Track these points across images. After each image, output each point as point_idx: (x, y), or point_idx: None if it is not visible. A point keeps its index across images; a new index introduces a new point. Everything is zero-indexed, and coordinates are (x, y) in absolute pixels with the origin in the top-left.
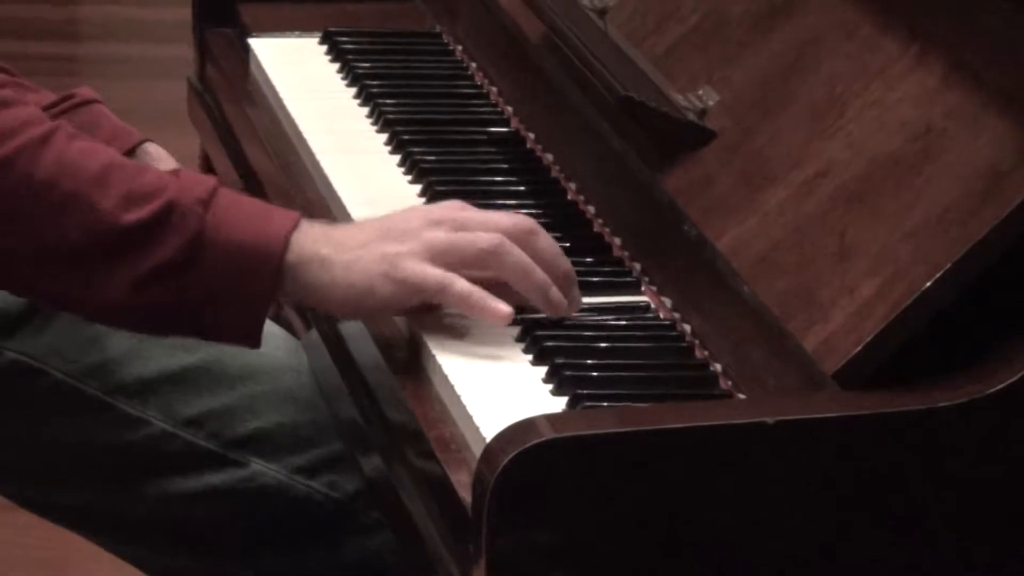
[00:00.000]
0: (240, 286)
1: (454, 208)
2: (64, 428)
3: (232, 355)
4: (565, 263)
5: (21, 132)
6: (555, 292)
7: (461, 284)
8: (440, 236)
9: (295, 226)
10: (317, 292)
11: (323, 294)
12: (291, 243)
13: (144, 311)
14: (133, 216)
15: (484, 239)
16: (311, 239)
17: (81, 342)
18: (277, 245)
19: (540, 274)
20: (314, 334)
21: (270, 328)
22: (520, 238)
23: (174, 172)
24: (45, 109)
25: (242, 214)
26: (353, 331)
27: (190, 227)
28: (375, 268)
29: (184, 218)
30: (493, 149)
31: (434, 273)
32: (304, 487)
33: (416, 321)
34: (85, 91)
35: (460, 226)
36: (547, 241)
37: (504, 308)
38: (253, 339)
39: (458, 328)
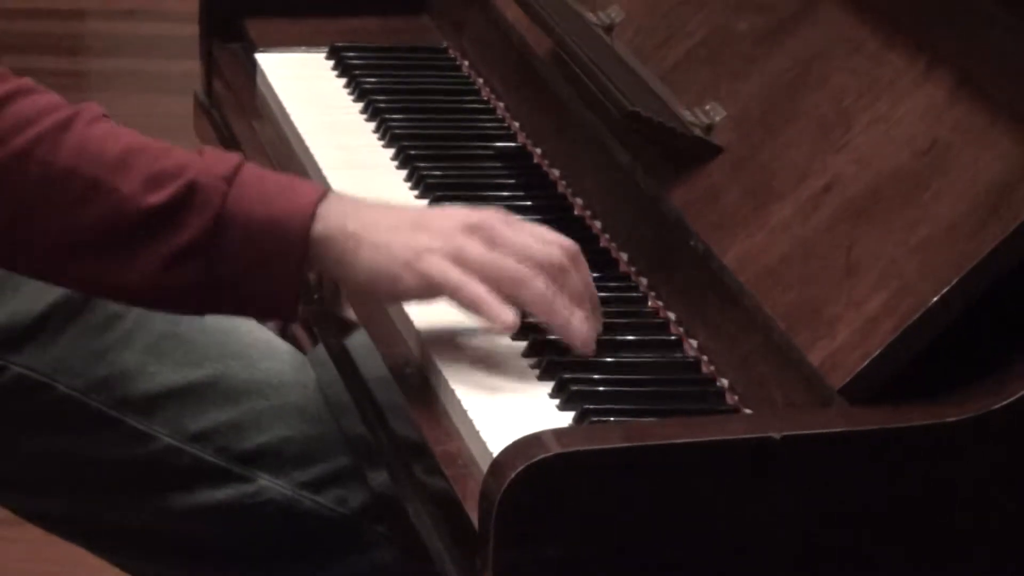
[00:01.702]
0: (268, 260)
1: (493, 218)
2: (70, 443)
3: (239, 370)
4: (592, 296)
5: (41, 119)
6: (576, 326)
7: (475, 287)
8: (472, 247)
9: (322, 198)
10: (341, 267)
11: (347, 271)
12: (318, 215)
13: (176, 291)
14: (155, 198)
15: (511, 270)
16: (339, 212)
17: (88, 357)
18: (303, 217)
19: (561, 312)
20: (321, 349)
21: (277, 343)
22: (550, 271)
23: (199, 151)
24: None
25: (267, 189)
26: (360, 346)
27: (213, 205)
28: (401, 256)
29: (207, 196)
30: (500, 164)
31: (455, 273)
32: (311, 502)
33: (423, 336)
34: (92, 106)
35: (494, 241)
36: (578, 276)
37: (510, 317)
38: (288, 312)
39: (465, 344)
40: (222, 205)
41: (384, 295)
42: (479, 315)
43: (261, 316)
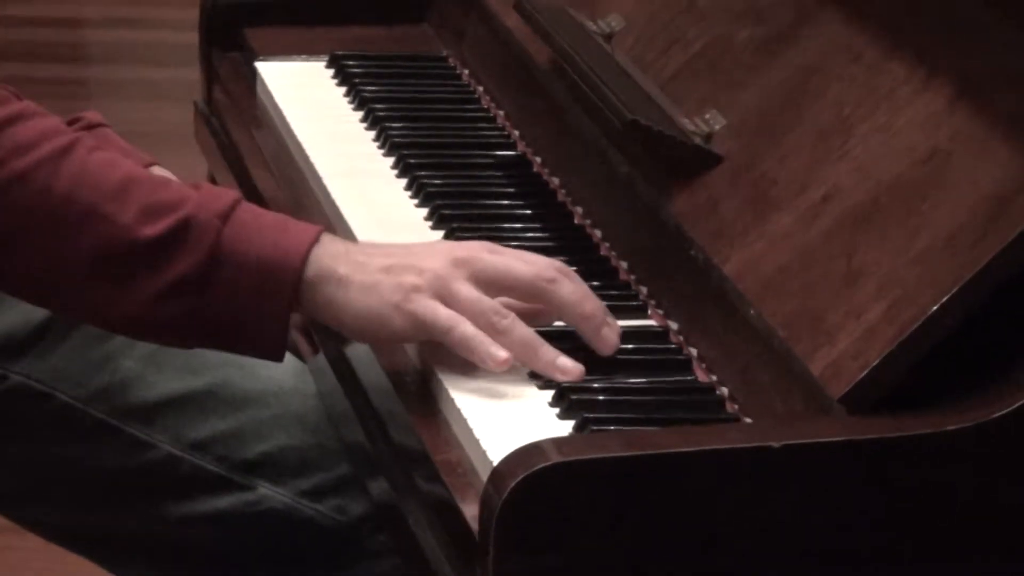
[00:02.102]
0: (259, 301)
1: (479, 251)
2: (71, 451)
3: (239, 379)
4: (591, 305)
5: (41, 145)
6: (562, 363)
7: (464, 327)
8: (459, 284)
9: (315, 240)
10: (331, 310)
11: (336, 313)
12: (310, 259)
13: (165, 324)
14: (150, 230)
15: (493, 316)
16: (330, 255)
17: (88, 366)
18: (296, 260)
19: (545, 352)
20: (321, 358)
21: None
22: (542, 288)
23: (196, 185)
24: None
25: (262, 228)
26: (360, 355)
27: (207, 242)
28: (390, 297)
29: (201, 233)
30: (500, 173)
31: (445, 313)
32: (311, 510)
33: (423, 346)
34: (93, 115)
35: (481, 276)
36: (569, 288)
37: (502, 355)
38: (276, 353)
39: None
40: (216, 242)
41: (375, 338)
42: (470, 357)
43: (248, 354)
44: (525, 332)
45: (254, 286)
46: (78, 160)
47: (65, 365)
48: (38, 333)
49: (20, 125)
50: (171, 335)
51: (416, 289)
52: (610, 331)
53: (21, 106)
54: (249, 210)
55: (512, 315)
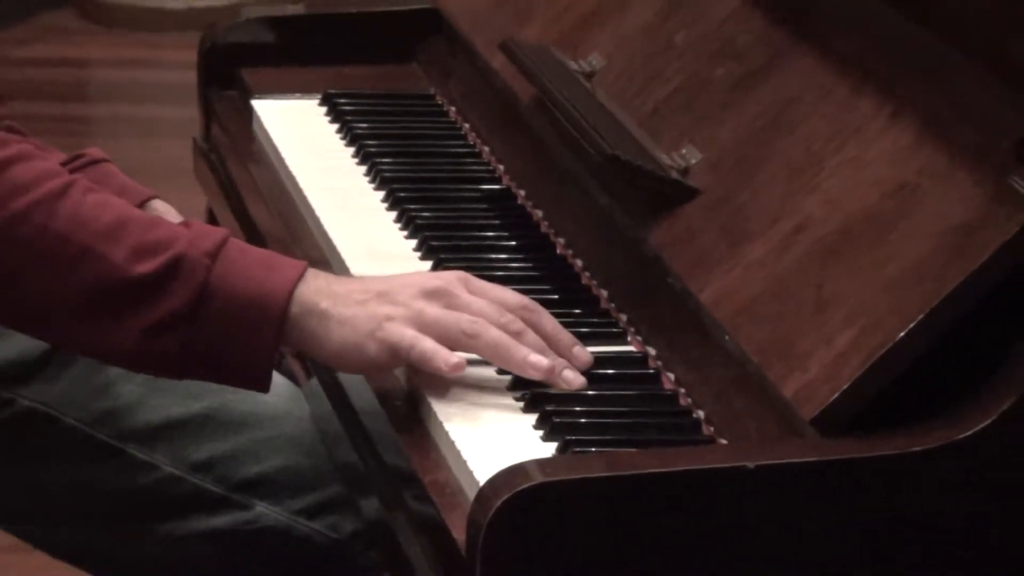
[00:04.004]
0: (245, 336)
1: (452, 282)
2: (76, 472)
3: (237, 402)
4: (563, 334)
5: (39, 185)
6: (533, 359)
7: (425, 343)
8: (430, 310)
9: (299, 277)
10: (312, 343)
11: (317, 345)
12: (295, 296)
13: (155, 357)
14: (142, 268)
15: (464, 321)
16: (313, 290)
17: (92, 390)
18: (281, 298)
19: (516, 352)
20: (315, 382)
21: (273, 377)
22: (499, 321)
23: (186, 224)
24: None
25: (249, 266)
26: (352, 380)
27: (197, 279)
28: (364, 327)
29: (192, 270)
30: (485, 206)
31: (409, 333)
32: (306, 528)
33: (412, 371)
34: (95, 151)
35: (452, 304)
36: (532, 340)
37: (454, 358)
38: (262, 384)
39: (453, 378)
40: (206, 280)
41: (354, 366)
42: (431, 369)
43: (236, 385)
44: (495, 335)
45: (242, 321)
46: (74, 201)
47: (70, 390)
48: (44, 359)
49: (20, 166)
50: (162, 367)
51: (388, 319)
52: (573, 374)
53: (20, 148)
54: (237, 247)
55: (481, 320)
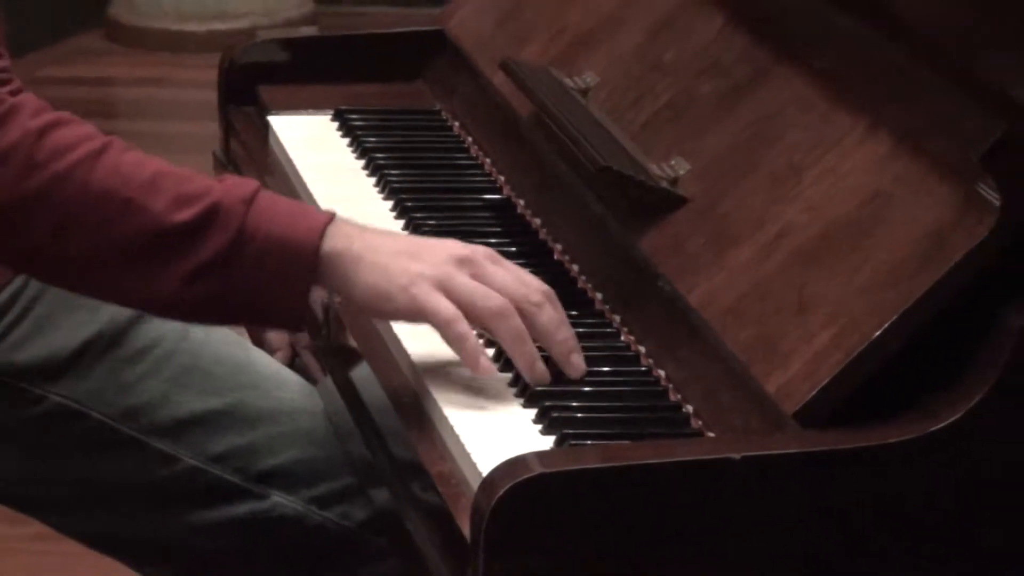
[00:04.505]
0: (281, 276)
1: (481, 254)
2: (103, 464)
3: (255, 398)
4: (563, 333)
5: (79, 146)
6: (539, 366)
7: (463, 327)
8: (460, 278)
9: (330, 221)
10: (344, 283)
11: (348, 287)
12: (326, 235)
13: (196, 302)
14: (181, 216)
15: (495, 301)
16: (344, 234)
17: (119, 387)
18: (314, 236)
19: (530, 349)
20: (328, 380)
21: (287, 374)
22: (526, 310)
23: (220, 177)
24: None
25: (281, 211)
26: (362, 377)
27: (233, 224)
28: (397, 279)
29: (228, 217)
30: (487, 214)
31: (446, 306)
32: (319, 517)
33: (419, 368)
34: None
35: (480, 275)
36: (550, 315)
37: (488, 365)
38: (297, 322)
39: (458, 375)
40: (242, 224)
41: (377, 312)
42: (459, 354)
43: (272, 326)
44: (517, 324)
45: (276, 262)
46: (112, 159)
47: (97, 387)
48: (74, 358)
49: (59, 130)
50: (203, 312)
51: (421, 276)
52: (579, 358)
53: (58, 115)
54: (269, 196)
55: (509, 306)
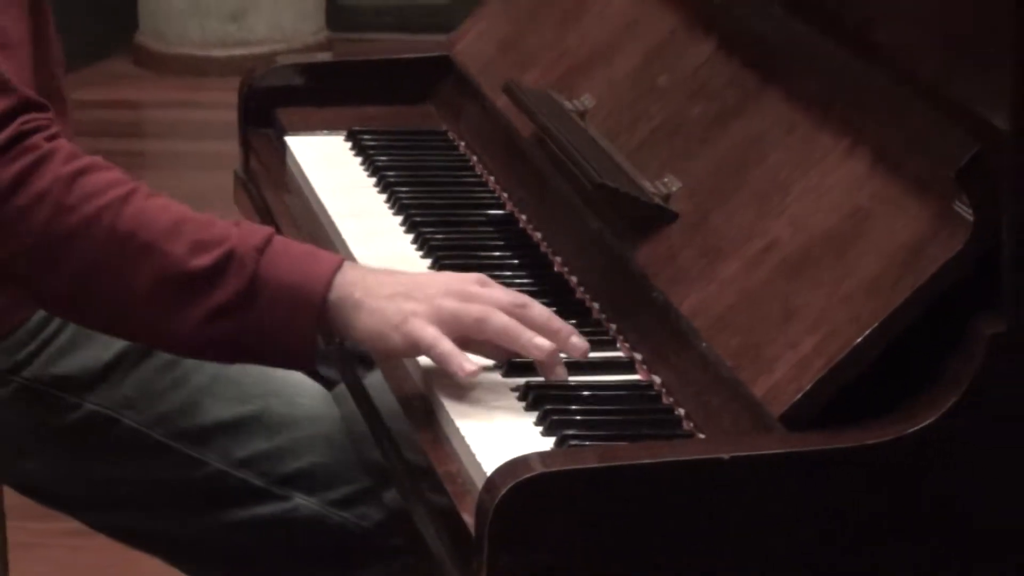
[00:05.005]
0: (291, 319)
1: (470, 281)
2: (135, 468)
3: (277, 406)
4: (557, 323)
5: (107, 191)
6: (540, 341)
7: (445, 345)
8: (448, 305)
9: (338, 268)
10: (345, 328)
11: (350, 330)
12: (333, 284)
13: (211, 343)
14: (199, 262)
15: (476, 310)
16: (349, 281)
17: (149, 395)
18: (322, 286)
19: (525, 334)
20: (343, 387)
21: (308, 383)
22: (515, 312)
23: (236, 223)
24: None
25: (292, 259)
26: (376, 385)
27: (247, 272)
28: (391, 320)
29: (242, 263)
30: (491, 229)
31: (429, 333)
32: (338, 517)
33: (428, 375)
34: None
35: (467, 298)
36: (539, 311)
37: (471, 366)
38: (307, 362)
39: (464, 382)
40: (255, 271)
41: (377, 352)
42: (448, 370)
43: (283, 366)
44: (502, 319)
45: (287, 308)
46: (137, 204)
47: (130, 395)
48: (108, 369)
49: (90, 176)
50: (216, 352)
51: (414, 313)
52: (578, 339)
53: (90, 160)
54: (282, 243)
55: (490, 308)
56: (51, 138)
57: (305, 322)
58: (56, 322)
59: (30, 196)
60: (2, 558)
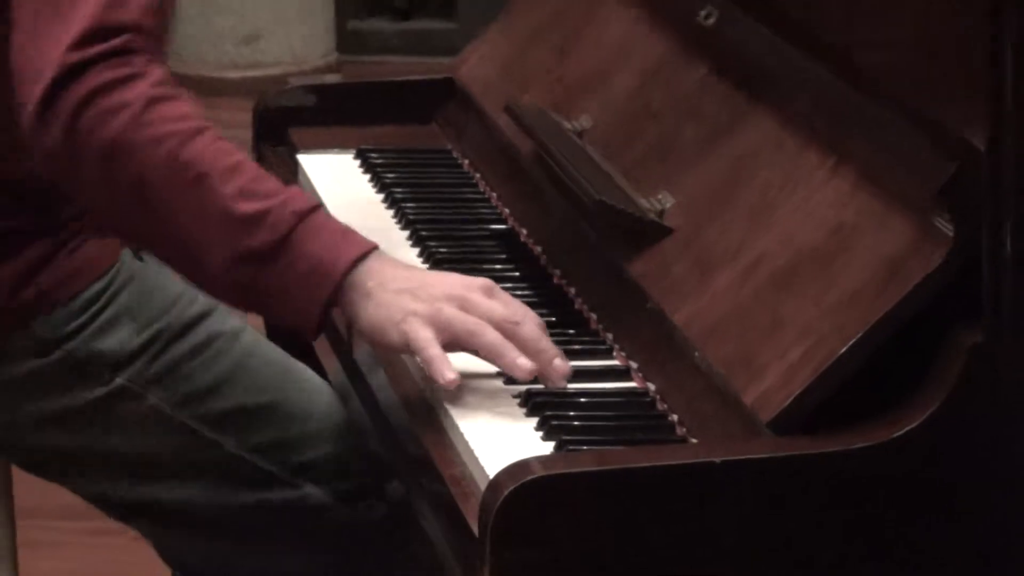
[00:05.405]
0: (305, 287)
1: (475, 288)
2: (153, 443)
3: (294, 398)
4: (544, 343)
5: (181, 121)
6: (522, 361)
7: (433, 350)
8: (446, 310)
9: (365, 254)
10: (354, 313)
11: (356, 317)
12: (354, 267)
13: (233, 285)
14: (241, 207)
15: (470, 322)
16: (367, 270)
17: (176, 377)
18: (343, 266)
19: (509, 354)
20: (351, 387)
21: (321, 381)
22: (507, 328)
23: (290, 187)
24: None
25: (328, 232)
26: (383, 387)
27: (281, 229)
28: (393, 316)
29: (279, 221)
30: (493, 242)
31: (423, 336)
32: (345, 508)
33: (432, 382)
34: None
35: (469, 307)
36: (530, 329)
37: (449, 376)
38: (310, 329)
39: (467, 388)
40: (288, 233)
41: (375, 342)
42: (430, 374)
43: (287, 324)
44: (492, 337)
45: (305, 274)
46: (204, 141)
47: (158, 376)
48: (140, 351)
49: (170, 103)
50: (235, 296)
51: (415, 313)
52: (561, 361)
53: (175, 91)
54: (324, 217)
55: (482, 323)
56: (150, 62)
57: (318, 292)
58: (105, 298)
59: (114, 102)
60: (11, 553)
